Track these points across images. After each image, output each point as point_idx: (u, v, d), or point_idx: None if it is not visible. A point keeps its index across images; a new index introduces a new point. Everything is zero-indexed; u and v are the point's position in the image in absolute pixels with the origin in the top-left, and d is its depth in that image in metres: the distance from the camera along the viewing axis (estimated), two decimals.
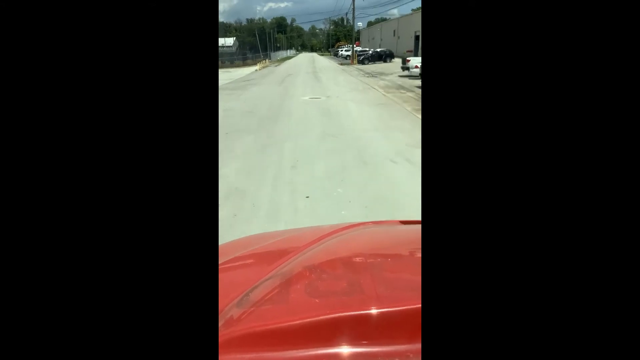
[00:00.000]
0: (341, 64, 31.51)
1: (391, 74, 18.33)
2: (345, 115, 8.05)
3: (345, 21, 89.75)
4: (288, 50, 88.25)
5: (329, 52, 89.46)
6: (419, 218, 0.49)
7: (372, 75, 18.85)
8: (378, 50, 29.84)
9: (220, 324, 0.63)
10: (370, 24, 75.71)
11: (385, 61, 28.32)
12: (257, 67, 30.35)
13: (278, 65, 36.37)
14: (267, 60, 40.50)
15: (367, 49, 38.73)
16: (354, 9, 32.20)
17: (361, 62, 28.73)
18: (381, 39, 46.36)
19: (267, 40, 53.34)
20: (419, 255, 0.50)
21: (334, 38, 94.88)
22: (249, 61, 40.58)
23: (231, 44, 53.42)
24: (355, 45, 60.75)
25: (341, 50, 50.08)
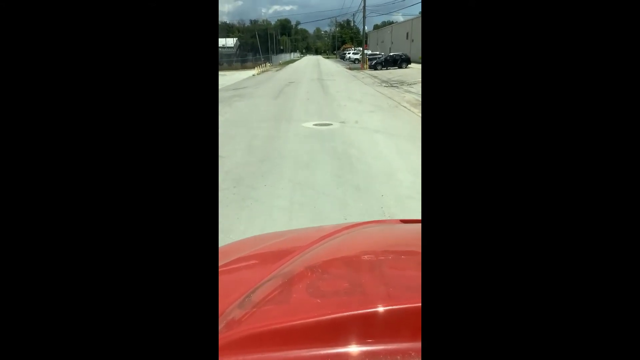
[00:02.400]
0: (350, 69, 27.98)
1: (414, 82, 14.78)
2: (381, 170, 4.44)
3: (352, 23, 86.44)
4: (292, 53, 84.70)
5: (334, 54, 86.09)
6: None
7: (391, 84, 15.29)
8: (392, 54, 26.30)
9: (222, 325, 0.63)
10: (376, 27, 72.24)
11: (400, 67, 24.78)
12: (254, 71, 26.87)
13: (279, 69, 32.87)
14: (267, 64, 37.01)
15: (377, 52, 35.32)
16: (364, 7, 28.70)
17: (373, 67, 25.18)
18: (392, 42, 42.87)
19: (269, 42, 49.90)
20: (420, 254, 0.48)
21: (340, 40, 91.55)
22: (248, 64, 37.07)
23: (232, 45, 50.12)
24: (361, 48, 57.53)
25: (348, 53, 46.64)
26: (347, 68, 29.91)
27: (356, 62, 37.63)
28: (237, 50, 47.08)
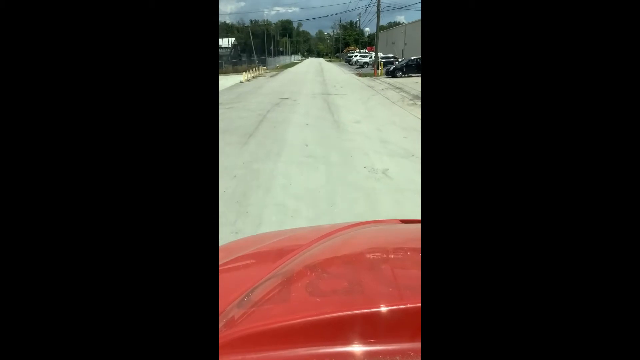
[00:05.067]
0: (360, 75, 22.74)
1: None
2: None
3: (358, 23, 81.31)
4: (292, 56, 79.35)
5: (337, 57, 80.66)
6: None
7: None
8: (414, 58, 21.06)
9: (221, 324, 0.63)
10: (382, 28, 67.00)
11: None
12: (243, 77, 21.69)
13: (275, 74, 27.64)
14: (262, 67, 31.81)
15: (390, 55, 30.20)
16: (379, 2, 23.48)
17: (391, 73, 19.96)
18: (405, 43, 37.66)
19: (266, 42, 44.74)
20: (420, 254, 0.49)
21: (343, 42, 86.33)
22: (243, 66, 31.80)
23: (229, 46, 45.05)
24: (367, 51, 52.04)
25: (355, 56, 41.37)
26: (356, 74, 24.71)
27: (365, 66, 32.42)
28: (231, 51, 42.03)
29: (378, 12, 23.60)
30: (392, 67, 20.31)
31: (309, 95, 12.76)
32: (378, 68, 22.54)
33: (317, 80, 20.23)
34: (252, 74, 25.34)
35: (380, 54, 29.09)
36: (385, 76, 20.53)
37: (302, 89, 15.27)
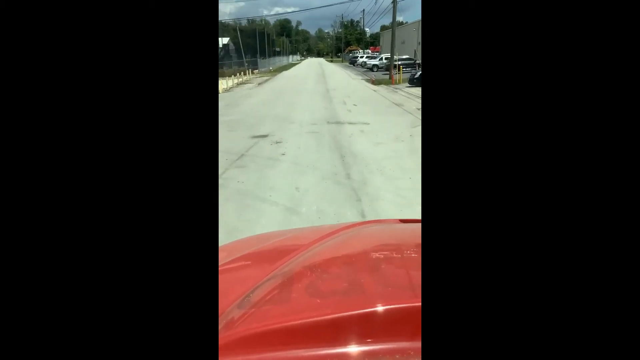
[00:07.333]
0: (373, 83, 17.72)
1: None
2: None
3: (361, 21, 76.40)
4: (291, 56, 74.09)
5: (339, 57, 75.67)
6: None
7: None
8: None
9: (222, 325, 0.63)
10: (383, 28, 62.06)
11: None
12: (223, 84, 16.72)
13: (266, 80, 22.63)
14: (251, 71, 26.82)
15: (405, 57, 25.29)
16: None
17: (416, 81, 14.94)
18: (418, 43, 32.66)
19: (259, 42, 39.86)
20: (419, 253, 0.49)
21: (344, 42, 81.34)
22: (232, 69, 26.76)
23: (221, 46, 40.14)
24: (371, 51, 46.97)
25: (361, 57, 36.33)
26: (366, 80, 19.73)
27: (375, 69, 27.37)
28: (220, 52, 37.12)
29: (394, 2, 18.59)
30: (417, 74, 15.29)
31: (307, 127, 7.62)
32: (397, 73, 17.56)
33: (319, 91, 15.13)
34: (238, 80, 20.38)
35: (396, 56, 24.16)
36: (407, 85, 15.55)
37: (295, 111, 10.10)
